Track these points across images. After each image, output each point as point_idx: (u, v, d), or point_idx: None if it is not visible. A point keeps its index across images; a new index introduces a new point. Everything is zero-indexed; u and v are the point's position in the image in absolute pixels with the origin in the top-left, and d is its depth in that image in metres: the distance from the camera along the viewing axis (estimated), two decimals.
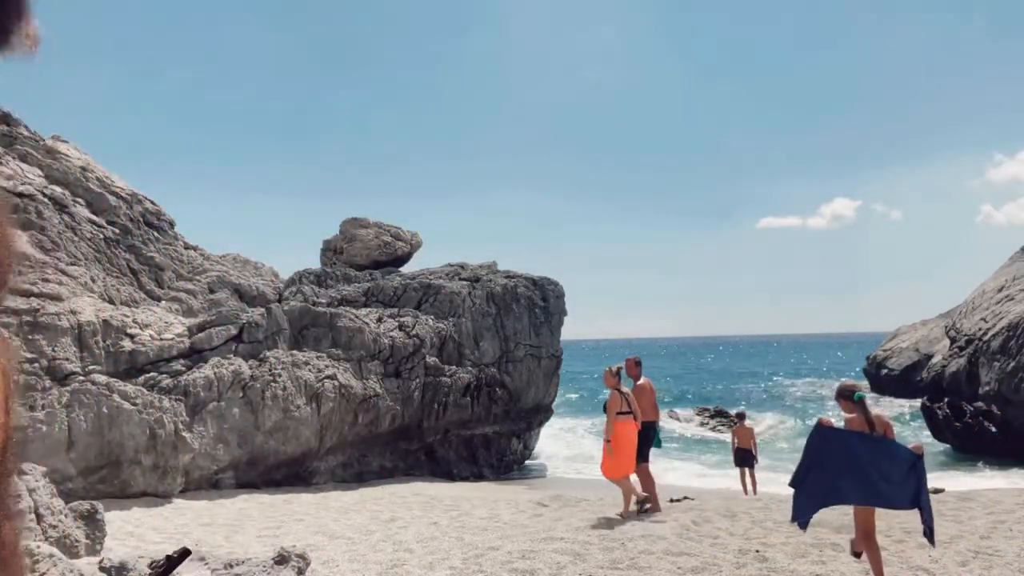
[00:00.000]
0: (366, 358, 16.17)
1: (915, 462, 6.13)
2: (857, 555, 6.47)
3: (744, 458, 14.73)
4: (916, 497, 6.19)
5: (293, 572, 5.57)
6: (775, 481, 19.72)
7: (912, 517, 9.19)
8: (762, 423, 32.10)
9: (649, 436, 9.65)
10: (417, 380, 16.86)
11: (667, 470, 19.70)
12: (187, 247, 19.56)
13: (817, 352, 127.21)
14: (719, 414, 33.24)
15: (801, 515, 6.39)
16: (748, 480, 14.46)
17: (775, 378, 66.40)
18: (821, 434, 6.33)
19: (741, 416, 15.70)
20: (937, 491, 11.96)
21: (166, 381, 13.34)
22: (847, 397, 6.42)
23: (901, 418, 32.19)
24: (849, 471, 6.10)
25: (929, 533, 6.13)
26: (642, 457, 9.66)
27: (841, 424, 6.57)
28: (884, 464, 6.05)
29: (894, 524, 8.66)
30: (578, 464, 21.38)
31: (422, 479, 16.46)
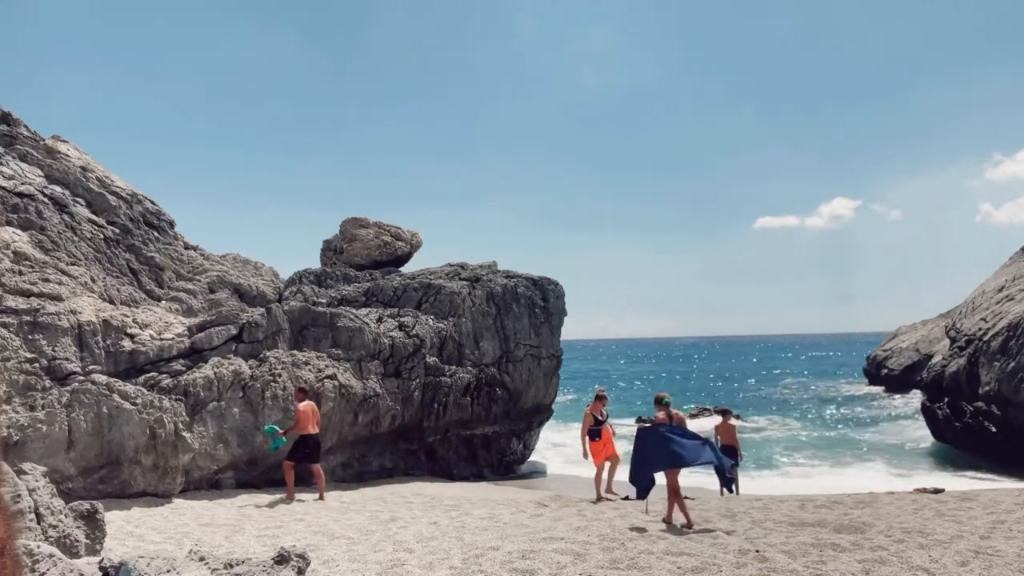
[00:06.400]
0: (366, 358, 16.17)
1: (704, 442, 9.29)
2: (667, 522, 8.97)
3: (728, 456, 14.63)
4: (708, 459, 9.23)
5: (293, 572, 5.57)
6: (771, 480, 19.75)
7: (911, 517, 9.20)
8: (758, 422, 32.11)
9: (311, 444, 12.35)
10: (417, 380, 16.86)
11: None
12: (187, 247, 19.55)
13: (816, 352, 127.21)
14: (721, 413, 33.31)
15: (642, 490, 9.59)
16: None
17: (774, 377, 66.41)
18: (640, 436, 9.50)
19: (725, 413, 15.50)
20: (937, 491, 11.96)
21: (166, 381, 13.34)
22: (657, 402, 9.63)
23: (900, 417, 32.20)
24: (658, 449, 9.14)
25: (731, 484, 12.88)
26: (313, 459, 12.39)
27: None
28: (679, 440, 9.12)
29: (894, 524, 8.67)
30: (578, 464, 21.34)
31: (422, 479, 16.47)
